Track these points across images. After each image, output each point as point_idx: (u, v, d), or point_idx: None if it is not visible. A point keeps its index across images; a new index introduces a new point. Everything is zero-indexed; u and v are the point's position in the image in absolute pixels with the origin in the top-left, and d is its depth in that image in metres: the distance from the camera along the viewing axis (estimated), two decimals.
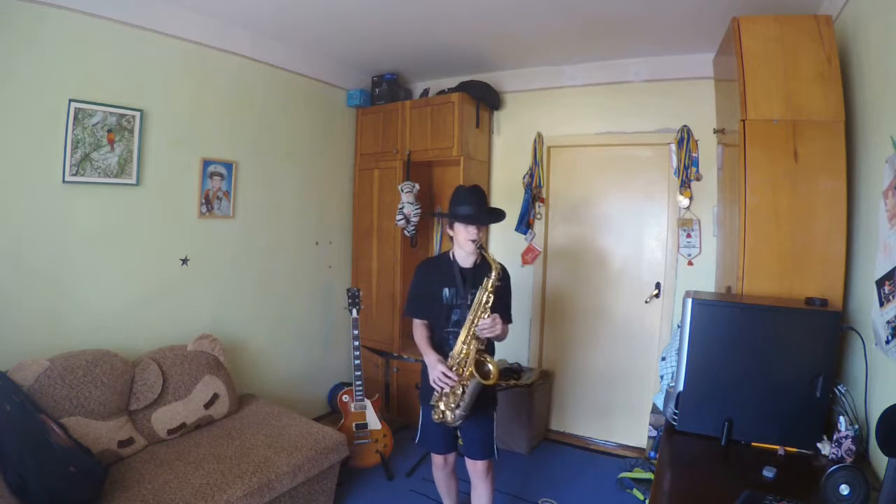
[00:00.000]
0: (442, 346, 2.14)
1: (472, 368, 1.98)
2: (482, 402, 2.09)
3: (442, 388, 2.02)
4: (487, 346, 2.12)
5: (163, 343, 2.65)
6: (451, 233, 2.17)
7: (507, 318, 2.16)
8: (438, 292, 2.13)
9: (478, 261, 2.15)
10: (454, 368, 2.01)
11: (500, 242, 3.76)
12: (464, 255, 2.16)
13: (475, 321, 2.01)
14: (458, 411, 2.00)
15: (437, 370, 2.00)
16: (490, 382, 1.98)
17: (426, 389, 2.15)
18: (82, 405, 2.09)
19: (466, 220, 2.06)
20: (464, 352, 2.02)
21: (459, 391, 2.01)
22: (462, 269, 2.15)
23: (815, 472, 1.43)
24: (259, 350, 3.29)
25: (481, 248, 2.10)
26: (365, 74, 3.88)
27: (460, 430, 2.18)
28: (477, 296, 2.03)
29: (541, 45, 3.18)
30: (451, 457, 2.29)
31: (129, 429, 2.24)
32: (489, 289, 2.02)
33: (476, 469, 2.20)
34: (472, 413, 2.04)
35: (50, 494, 1.63)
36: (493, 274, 2.02)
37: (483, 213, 2.11)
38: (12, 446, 1.64)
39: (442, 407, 2.04)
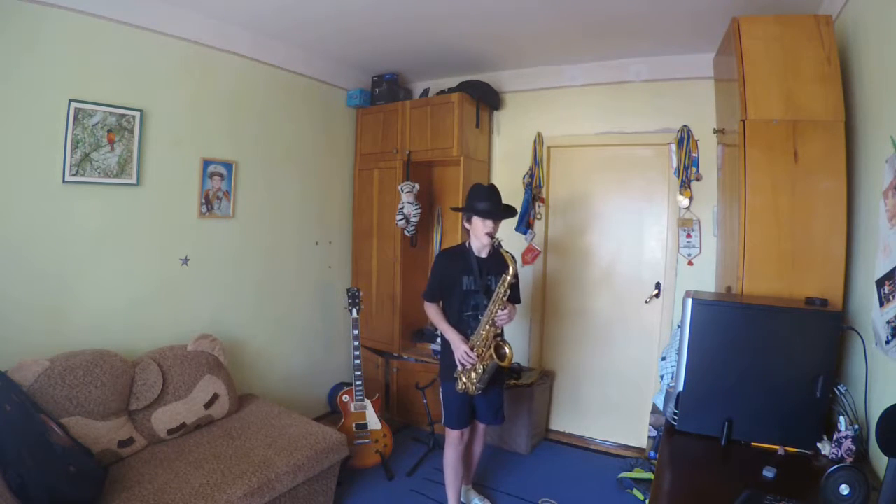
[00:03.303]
0: (461, 328, 2.37)
1: (491, 351, 2.29)
2: (494, 380, 2.39)
3: (465, 366, 2.31)
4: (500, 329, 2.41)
5: (163, 343, 2.65)
6: (467, 226, 2.40)
7: (517, 301, 2.49)
8: (459, 279, 2.36)
9: (491, 251, 2.37)
10: (474, 349, 2.29)
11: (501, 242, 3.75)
12: (479, 245, 2.38)
13: (494, 311, 2.26)
14: (478, 384, 2.31)
15: (461, 349, 2.29)
16: (506, 364, 2.28)
17: (448, 366, 2.40)
18: (82, 405, 2.08)
19: (485, 214, 2.29)
20: (483, 336, 2.28)
21: (480, 369, 2.30)
22: (478, 259, 2.38)
23: (815, 472, 1.43)
24: (259, 350, 3.29)
25: (498, 244, 2.30)
26: (365, 74, 3.89)
27: (477, 400, 2.44)
28: (496, 290, 2.28)
29: (541, 45, 3.18)
30: (467, 431, 2.52)
31: (129, 429, 2.24)
32: (506, 285, 2.25)
33: (479, 429, 2.59)
34: (487, 388, 2.36)
35: (50, 494, 1.63)
36: (511, 270, 2.24)
37: (500, 209, 2.35)
38: (12, 446, 1.64)
39: (464, 380, 2.33)
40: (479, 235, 2.35)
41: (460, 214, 3.50)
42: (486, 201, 2.32)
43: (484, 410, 2.50)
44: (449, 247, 2.58)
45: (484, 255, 2.39)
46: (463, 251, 2.42)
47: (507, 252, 2.28)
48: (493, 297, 2.28)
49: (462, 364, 2.31)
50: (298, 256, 3.56)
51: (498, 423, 2.58)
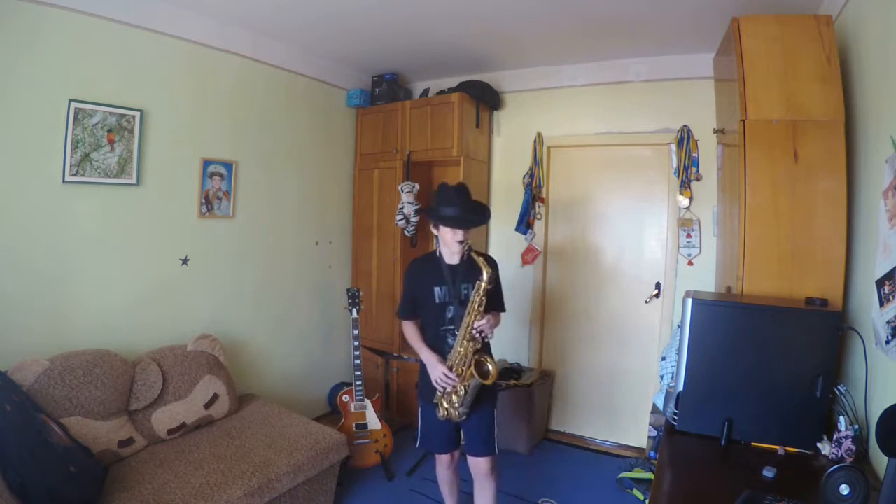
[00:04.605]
0: (438, 345, 2.15)
1: (472, 369, 2.02)
2: (482, 398, 2.13)
3: (444, 388, 2.07)
4: (483, 343, 2.13)
5: (163, 343, 2.65)
6: (435, 232, 2.16)
7: (500, 308, 2.23)
8: (430, 292, 2.14)
9: (464, 256, 2.14)
10: (453, 369, 2.05)
11: (501, 242, 3.76)
12: (448, 252, 2.16)
13: (471, 324, 2.02)
14: (461, 409, 2.08)
15: (438, 370, 2.06)
16: (489, 382, 2.01)
17: (425, 389, 2.19)
18: (82, 405, 2.09)
19: (453, 223, 2.06)
20: (461, 353, 2.04)
21: (462, 391, 2.06)
22: (450, 266, 2.15)
23: (815, 472, 1.43)
24: (259, 350, 3.29)
25: (471, 249, 2.09)
26: (365, 74, 3.89)
27: (462, 426, 2.20)
28: (471, 299, 2.03)
29: (541, 45, 3.18)
30: (456, 453, 2.32)
31: (129, 429, 2.24)
32: (481, 293, 2.01)
33: (479, 467, 2.21)
34: (473, 409, 2.11)
35: (50, 494, 1.63)
36: (485, 277, 2.00)
37: (470, 215, 2.10)
38: (12, 446, 1.64)
39: (445, 405, 2.11)
40: (448, 244, 2.10)
41: None
42: (455, 206, 2.05)
43: (471, 437, 2.20)
44: (417, 257, 2.35)
45: (456, 261, 2.16)
46: (432, 259, 2.20)
47: (481, 255, 2.05)
48: (469, 308, 2.03)
49: (441, 388, 2.08)
50: (298, 256, 3.56)
51: (486, 455, 2.19)
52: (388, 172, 3.74)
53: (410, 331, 2.22)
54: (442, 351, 2.13)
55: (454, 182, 2.22)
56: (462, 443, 2.27)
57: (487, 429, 2.19)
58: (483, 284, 2.00)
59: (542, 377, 3.52)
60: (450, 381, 2.04)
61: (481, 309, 2.03)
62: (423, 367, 2.20)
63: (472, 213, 2.11)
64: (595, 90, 3.46)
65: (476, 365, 2.02)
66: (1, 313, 2.14)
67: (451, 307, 2.13)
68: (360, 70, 3.82)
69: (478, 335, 2.03)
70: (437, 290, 2.13)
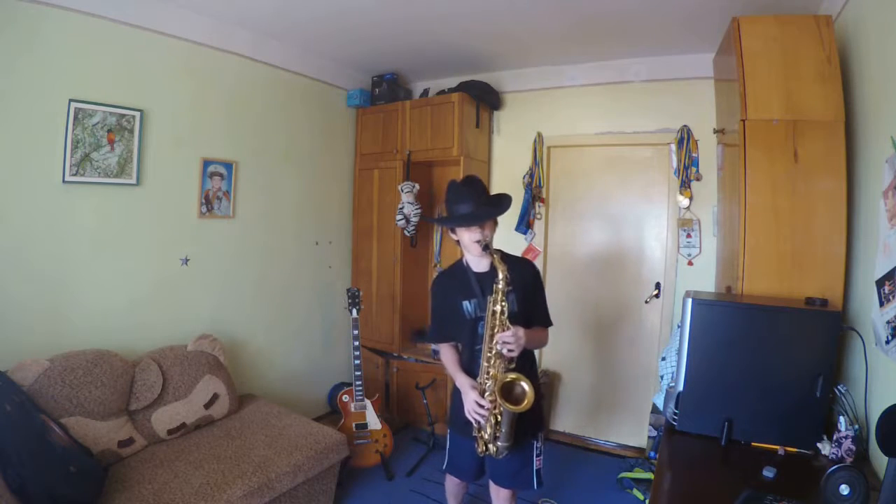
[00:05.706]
0: (473, 368, 1.88)
1: (498, 395, 1.71)
2: (524, 425, 1.81)
3: (479, 421, 1.78)
4: (527, 357, 1.86)
5: (163, 343, 2.65)
6: (454, 237, 1.88)
7: (543, 322, 1.95)
8: (458, 307, 1.88)
9: (492, 261, 1.82)
10: (486, 394, 1.76)
11: (501, 243, 3.73)
12: (475, 258, 1.90)
13: (493, 337, 1.74)
14: (499, 443, 1.76)
15: (470, 399, 1.77)
16: (520, 408, 1.67)
17: (456, 414, 1.94)
18: (82, 405, 2.08)
19: (464, 221, 1.80)
20: (490, 373, 1.76)
21: (493, 421, 1.76)
22: (478, 275, 1.89)
23: (815, 472, 1.43)
24: (259, 350, 3.29)
25: (487, 247, 1.79)
26: (365, 74, 3.89)
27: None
28: (489, 308, 1.75)
29: (541, 45, 3.18)
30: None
31: (129, 429, 2.24)
32: (499, 298, 1.74)
33: (500, 495, 1.99)
34: (516, 440, 1.79)
35: (50, 494, 1.63)
36: (501, 277, 1.73)
37: (484, 207, 1.82)
38: (12, 446, 1.64)
39: (485, 437, 1.80)
40: (467, 246, 1.84)
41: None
42: (467, 202, 1.80)
43: (498, 464, 1.89)
44: (443, 269, 2.06)
45: (484, 268, 1.88)
46: (459, 269, 1.95)
47: (498, 252, 1.78)
48: (487, 319, 1.75)
49: (475, 420, 1.77)
50: (298, 256, 3.56)
51: (510, 488, 1.95)
52: (388, 172, 3.74)
53: (446, 355, 1.96)
54: (475, 374, 1.84)
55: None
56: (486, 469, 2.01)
57: (521, 461, 1.90)
58: (500, 285, 1.73)
59: (542, 377, 3.52)
60: (482, 412, 1.74)
61: (504, 318, 1.73)
62: (455, 392, 1.96)
63: (486, 206, 1.84)
64: (595, 90, 3.46)
65: (503, 388, 1.71)
66: (1, 313, 2.14)
67: (483, 321, 1.82)
68: (360, 70, 3.82)
69: (505, 350, 1.72)
70: (465, 303, 1.87)
